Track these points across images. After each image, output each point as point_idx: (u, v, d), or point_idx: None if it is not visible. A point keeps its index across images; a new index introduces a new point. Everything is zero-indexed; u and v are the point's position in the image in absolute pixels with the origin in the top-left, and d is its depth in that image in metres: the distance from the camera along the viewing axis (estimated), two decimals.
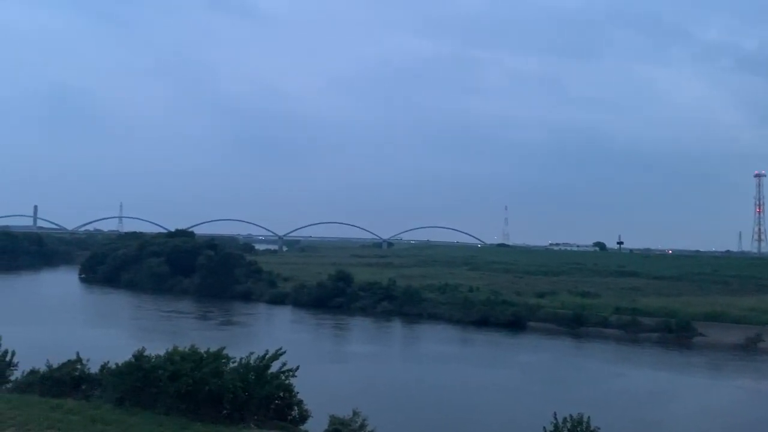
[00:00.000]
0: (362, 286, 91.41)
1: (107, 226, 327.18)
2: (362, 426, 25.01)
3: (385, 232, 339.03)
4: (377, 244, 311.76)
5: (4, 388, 30.25)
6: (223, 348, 26.98)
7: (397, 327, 76.66)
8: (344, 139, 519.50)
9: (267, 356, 26.41)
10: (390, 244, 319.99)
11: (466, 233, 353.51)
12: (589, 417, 21.61)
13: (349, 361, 55.65)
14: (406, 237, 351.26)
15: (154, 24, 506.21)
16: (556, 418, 21.82)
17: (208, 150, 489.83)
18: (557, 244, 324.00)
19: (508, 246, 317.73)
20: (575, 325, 72.62)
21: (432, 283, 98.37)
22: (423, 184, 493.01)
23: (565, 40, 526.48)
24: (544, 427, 21.95)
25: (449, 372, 51.60)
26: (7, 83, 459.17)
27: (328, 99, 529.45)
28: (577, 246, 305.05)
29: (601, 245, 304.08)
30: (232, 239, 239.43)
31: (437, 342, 66.39)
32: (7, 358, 31.84)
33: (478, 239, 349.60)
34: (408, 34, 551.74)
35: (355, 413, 25.38)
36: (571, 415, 21.74)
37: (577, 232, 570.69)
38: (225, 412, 25.21)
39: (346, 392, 38.19)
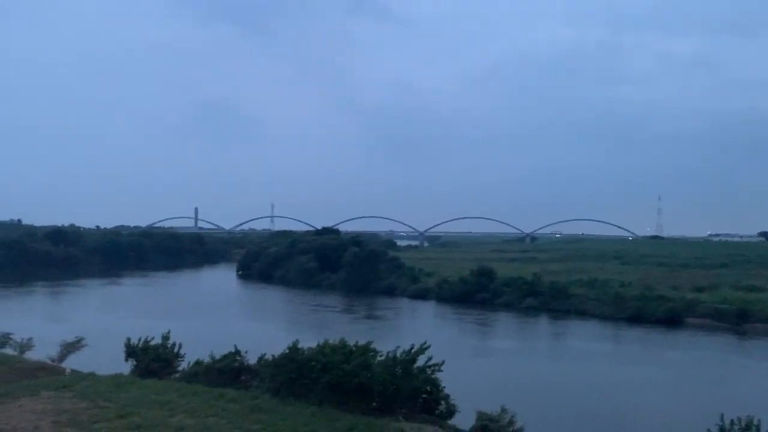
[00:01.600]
0: (506, 281, 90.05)
1: (260, 226, 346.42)
2: (510, 423, 24.67)
3: (527, 226, 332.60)
4: (520, 239, 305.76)
5: (173, 377, 32.84)
6: (371, 342, 27.64)
7: (543, 323, 74.88)
8: (485, 134, 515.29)
9: (413, 350, 26.75)
10: (533, 238, 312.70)
11: (615, 225, 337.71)
12: (759, 420, 20.00)
13: (494, 356, 55.08)
14: (550, 231, 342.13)
15: (297, 32, 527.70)
16: (723, 420, 20.42)
17: (352, 151, 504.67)
18: (717, 235, 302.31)
19: (661, 238, 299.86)
20: (739, 321, 67.40)
21: (580, 278, 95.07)
22: (567, 177, 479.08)
23: (722, 17, 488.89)
24: (708, 429, 20.59)
25: (599, 369, 49.67)
26: (166, 98, 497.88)
27: (467, 95, 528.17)
28: (740, 236, 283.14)
29: (767, 235, 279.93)
30: (374, 236, 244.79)
31: (586, 338, 64.11)
32: (175, 350, 34.59)
33: (629, 231, 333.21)
34: (550, 25, 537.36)
35: (503, 410, 25.08)
36: (739, 418, 20.25)
37: (740, 222, 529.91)
38: (374, 404, 25.81)
39: (491, 388, 37.84)
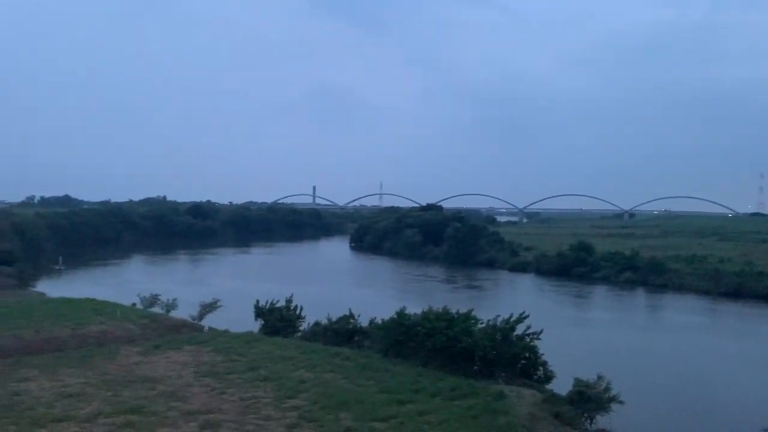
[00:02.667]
0: (604, 256, 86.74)
1: (370, 202, 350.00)
2: (606, 389, 23.96)
3: (626, 203, 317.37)
4: (618, 216, 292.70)
5: (295, 336, 34.19)
6: (472, 310, 27.59)
7: (640, 296, 71.77)
8: (583, 113, 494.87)
9: (512, 319, 26.48)
10: (631, 215, 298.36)
11: (714, 202, 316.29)
12: None
13: (590, 326, 53.47)
14: (648, 208, 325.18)
15: (405, 22, 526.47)
16: None
17: (454, 132, 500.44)
18: None
19: (763, 215, 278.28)
20: None
21: (678, 254, 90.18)
22: (666, 155, 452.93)
23: None
24: None
25: (694, 341, 47.13)
26: (286, 86, 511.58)
27: (566, 75, 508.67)
28: None
29: None
30: (475, 212, 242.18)
31: (682, 312, 60.88)
32: (297, 312, 35.96)
33: (729, 209, 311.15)
34: (649, 5, 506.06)
35: (599, 377, 24.39)
36: None
37: None
38: (475, 367, 25.81)
39: (588, 356, 36.78)
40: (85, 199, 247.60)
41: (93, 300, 43.22)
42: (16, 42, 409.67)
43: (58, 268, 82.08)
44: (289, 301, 36.19)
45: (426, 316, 26.83)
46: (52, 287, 64.70)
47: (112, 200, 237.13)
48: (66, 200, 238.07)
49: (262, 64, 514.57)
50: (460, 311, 27.29)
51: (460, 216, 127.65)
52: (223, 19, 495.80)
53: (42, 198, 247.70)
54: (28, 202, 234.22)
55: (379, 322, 29.54)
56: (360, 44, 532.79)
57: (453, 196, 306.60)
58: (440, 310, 27.20)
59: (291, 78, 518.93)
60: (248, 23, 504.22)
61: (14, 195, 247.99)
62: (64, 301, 43.72)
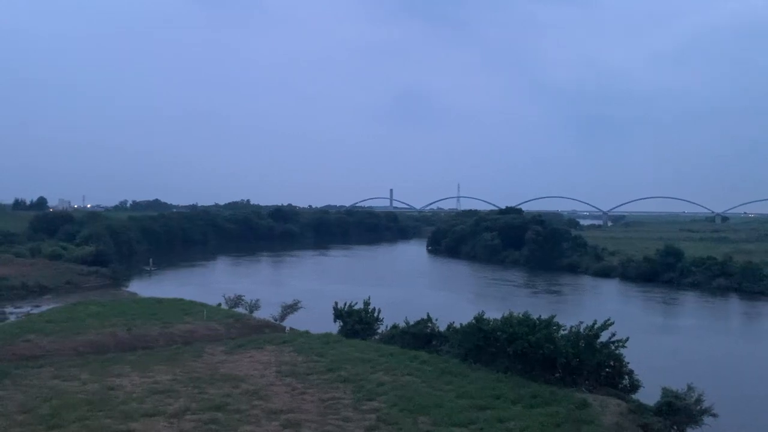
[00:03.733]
0: (694, 261, 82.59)
1: (447, 205, 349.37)
2: (698, 401, 22.77)
3: (718, 205, 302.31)
4: (709, 219, 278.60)
5: (373, 338, 34.39)
6: (554, 316, 26.89)
7: (733, 304, 67.90)
8: (671, 112, 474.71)
9: (596, 326, 25.63)
10: (724, 218, 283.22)
11: None
12: None
13: (680, 334, 51.03)
14: (743, 211, 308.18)
15: (484, 21, 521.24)
16: None
17: (535, 133, 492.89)
18: None
19: None
20: None
21: None
22: (763, 154, 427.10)
23: None
24: None
25: None
26: (364, 90, 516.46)
27: (654, 71, 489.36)
28: None
29: None
30: (556, 215, 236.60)
31: None
32: (375, 314, 36.19)
33: None
34: None
35: (689, 388, 23.22)
36: None
37: None
38: (557, 375, 25.13)
39: (677, 365, 35.15)
40: (174, 202, 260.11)
41: (181, 300, 45.00)
42: (111, 55, 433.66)
43: (148, 269, 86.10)
44: (367, 303, 36.48)
45: (506, 321, 26.35)
46: (143, 287, 68.00)
47: (199, 204, 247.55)
48: (156, 204, 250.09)
49: (339, 70, 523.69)
50: (542, 317, 26.66)
51: (540, 219, 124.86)
52: (303, 26, 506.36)
53: (134, 202, 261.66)
54: (122, 206, 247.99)
55: (458, 326, 29.28)
56: (438, 45, 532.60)
57: (533, 199, 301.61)
58: (521, 316, 26.66)
59: (368, 82, 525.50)
60: (327, 30, 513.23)
61: (109, 199, 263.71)
62: (154, 301, 45.75)
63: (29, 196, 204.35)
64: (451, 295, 67.23)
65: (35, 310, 48.72)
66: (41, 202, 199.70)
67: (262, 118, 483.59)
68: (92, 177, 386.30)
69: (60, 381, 23.91)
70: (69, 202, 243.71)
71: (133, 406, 20.46)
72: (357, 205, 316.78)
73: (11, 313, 48.59)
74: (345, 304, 36.80)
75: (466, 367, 26.16)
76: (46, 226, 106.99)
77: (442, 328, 31.88)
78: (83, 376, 24.66)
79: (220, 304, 43.97)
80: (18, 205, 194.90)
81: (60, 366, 26.53)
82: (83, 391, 22.28)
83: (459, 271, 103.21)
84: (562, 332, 25.91)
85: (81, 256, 79.38)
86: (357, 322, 35.37)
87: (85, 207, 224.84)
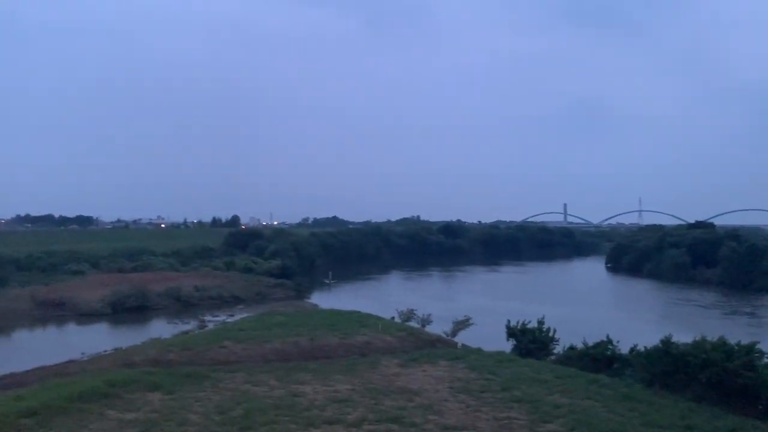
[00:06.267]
0: None
1: (627, 220, 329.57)
2: None
3: None
4: None
5: (548, 359, 33.26)
6: (756, 342, 24.21)
7: None
8: None
9: None
10: None
11: None
12: None
13: None
14: None
15: (663, 23, 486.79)
16: None
17: (727, 139, 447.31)
18: None
19: None
20: None
21: None
22: None
23: None
24: None
25: None
26: (534, 100, 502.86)
27: None
28: None
29: None
30: (757, 230, 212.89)
31: None
32: (550, 334, 35.02)
33: None
34: None
35: None
36: None
37: None
38: (760, 407, 22.52)
39: None
40: (350, 219, 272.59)
41: (357, 312, 46.90)
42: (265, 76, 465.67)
43: (328, 282, 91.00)
44: (541, 322, 35.43)
45: (698, 345, 24.15)
46: (323, 299, 71.97)
47: (373, 220, 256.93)
48: (334, 221, 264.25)
49: (506, 79, 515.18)
50: (741, 342, 24.09)
51: (736, 234, 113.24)
52: (465, 40, 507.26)
53: (315, 219, 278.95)
54: (304, 223, 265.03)
55: (641, 349, 27.39)
56: (610, 52, 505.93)
57: (727, 212, 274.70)
58: (716, 340, 24.29)
59: (538, 92, 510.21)
60: (489, 40, 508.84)
61: (292, 217, 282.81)
62: (333, 313, 48.16)
63: (225, 215, 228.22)
64: (632, 316, 63.11)
65: (230, 319, 53.57)
66: (235, 220, 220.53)
67: (430, 136, 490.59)
68: (278, 196, 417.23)
69: (251, 386, 25.91)
70: (258, 220, 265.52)
71: (315, 413, 21.58)
72: (528, 220, 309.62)
73: (210, 321, 53.72)
74: (518, 322, 36.02)
75: (651, 393, 24.34)
76: (239, 242, 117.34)
77: (624, 350, 30.01)
78: (271, 382, 26.52)
79: (393, 318, 45.17)
80: (215, 222, 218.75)
81: (251, 371, 28.79)
82: (271, 396, 23.95)
83: (641, 289, 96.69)
84: (765, 360, 23.26)
85: (269, 270, 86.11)
86: (531, 342, 34.46)
87: (272, 224, 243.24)
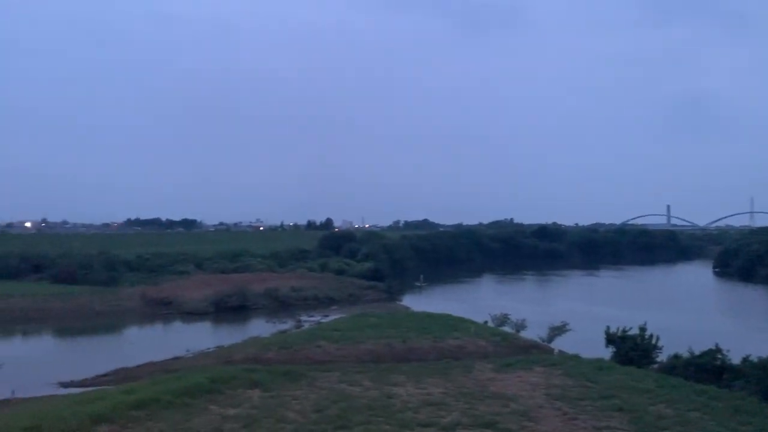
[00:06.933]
0: None
1: (738, 222, 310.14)
2: None
3: None
4: None
5: (651, 367, 31.82)
6: None
7: None
8: None
9: None
10: None
11: None
12: None
13: None
14: None
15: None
16: None
17: None
18: None
19: None
20: None
21: None
22: None
23: None
24: None
25: None
26: (636, 99, 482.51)
27: None
28: None
29: None
30: None
31: None
32: (653, 342, 33.47)
33: None
34: None
35: None
36: None
37: None
38: None
39: None
40: (441, 222, 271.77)
41: (449, 315, 46.75)
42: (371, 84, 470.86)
43: (419, 284, 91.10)
44: (642, 329, 33.93)
45: None
46: (415, 301, 72.14)
47: (464, 223, 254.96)
48: (425, 224, 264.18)
49: (606, 80, 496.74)
50: None
51: None
52: (557, 40, 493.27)
53: (405, 222, 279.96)
54: (395, 226, 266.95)
55: (755, 360, 25.68)
56: (718, 46, 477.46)
57: None
58: None
59: (638, 92, 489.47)
60: (587, 41, 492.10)
61: (384, 219, 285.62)
62: (425, 315, 48.23)
63: (319, 218, 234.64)
64: (743, 324, 59.21)
65: (324, 320, 54.79)
66: (328, 223, 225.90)
67: (523, 137, 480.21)
68: (370, 199, 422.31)
69: (346, 385, 26.40)
70: (351, 223, 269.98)
71: (409, 415, 21.67)
72: (629, 222, 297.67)
73: (305, 321, 55.12)
74: (618, 328, 34.68)
75: (766, 406, 22.77)
76: (332, 244, 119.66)
77: (734, 361, 28.24)
78: (365, 382, 26.90)
79: (486, 322, 44.65)
80: (310, 225, 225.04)
81: (345, 371, 29.33)
82: (365, 397, 24.28)
83: (754, 296, 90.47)
84: None
85: (361, 272, 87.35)
86: (632, 349, 33.06)
87: (364, 227, 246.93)
